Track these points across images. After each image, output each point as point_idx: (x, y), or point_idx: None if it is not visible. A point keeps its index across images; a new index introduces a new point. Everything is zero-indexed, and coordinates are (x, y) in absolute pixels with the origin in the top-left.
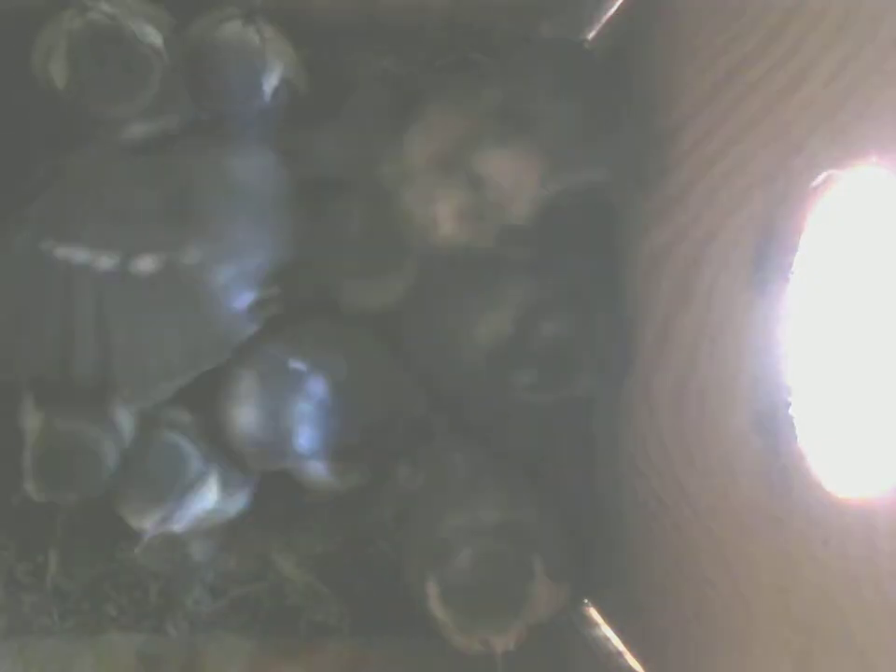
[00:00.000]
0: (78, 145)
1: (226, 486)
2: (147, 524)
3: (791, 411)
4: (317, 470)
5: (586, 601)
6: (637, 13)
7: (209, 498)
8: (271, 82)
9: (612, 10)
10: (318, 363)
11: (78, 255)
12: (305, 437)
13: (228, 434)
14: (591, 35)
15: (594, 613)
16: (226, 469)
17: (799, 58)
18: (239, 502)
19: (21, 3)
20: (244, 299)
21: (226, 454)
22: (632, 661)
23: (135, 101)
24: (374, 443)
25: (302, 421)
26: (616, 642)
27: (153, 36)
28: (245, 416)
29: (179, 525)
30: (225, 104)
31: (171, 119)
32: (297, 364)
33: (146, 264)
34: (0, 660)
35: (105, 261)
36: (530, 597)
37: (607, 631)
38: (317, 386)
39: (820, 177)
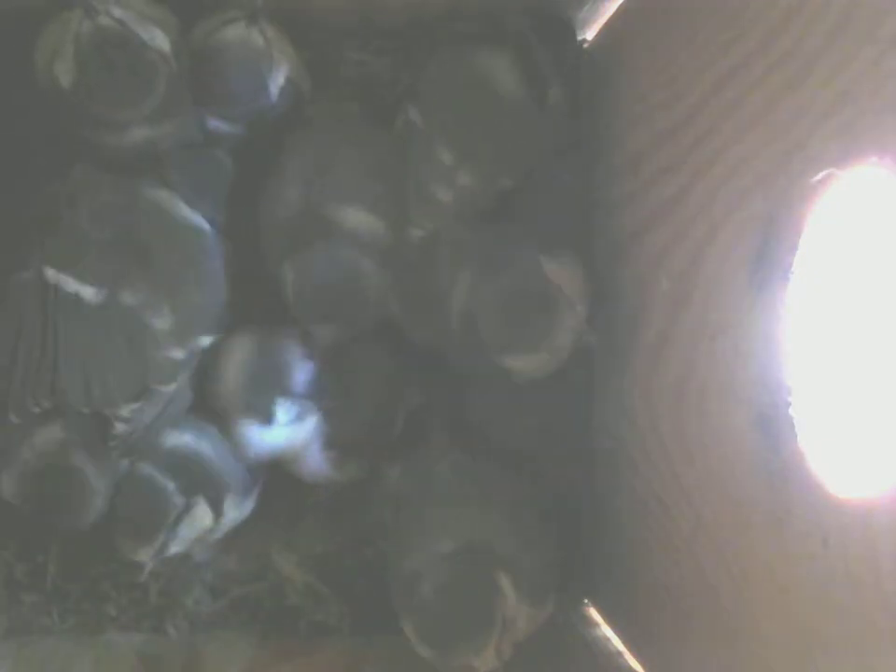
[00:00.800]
0: (78, 146)
1: (218, 506)
2: (143, 556)
3: (791, 411)
4: (315, 461)
5: (586, 601)
6: (637, 13)
7: (203, 522)
8: (277, 83)
9: (612, 11)
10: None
11: (58, 278)
12: (296, 401)
13: (218, 394)
14: (591, 36)
15: (594, 613)
16: (217, 490)
17: (799, 58)
18: (245, 508)
19: (21, 3)
20: (182, 345)
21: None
22: (632, 661)
23: (141, 106)
24: (372, 433)
25: (293, 385)
26: (616, 642)
27: (161, 41)
28: (236, 374)
29: (178, 549)
30: (231, 106)
31: (174, 124)
32: (292, 332)
33: (91, 294)
34: (0, 660)
35: (68, 285)
36: (499, 614)
37: (607, 631)
38: (312, 358)
39: (820, 177)
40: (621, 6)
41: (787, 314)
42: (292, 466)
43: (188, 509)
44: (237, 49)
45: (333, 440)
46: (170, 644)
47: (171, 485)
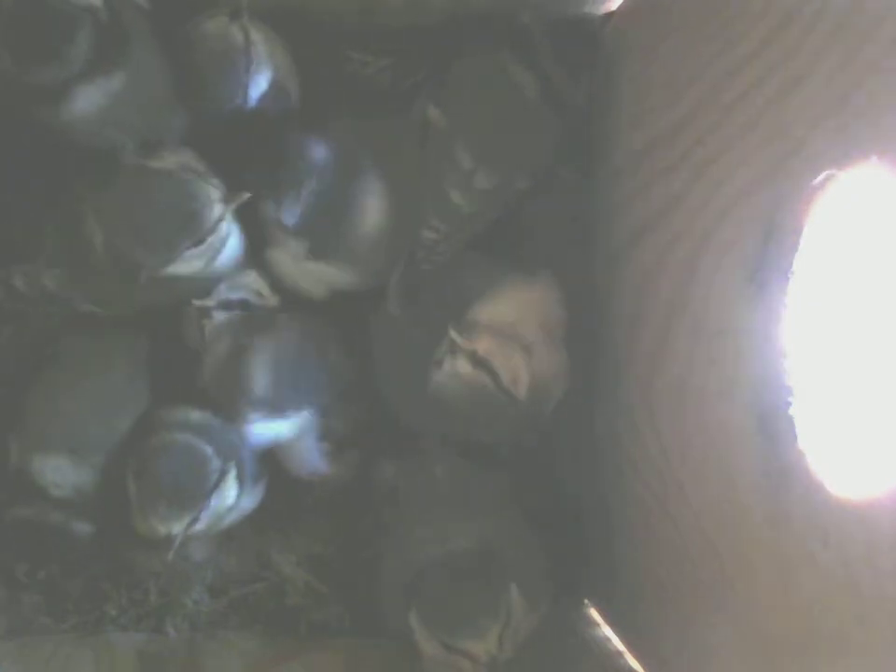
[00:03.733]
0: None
1: (243, 482)
2: (177, 527)
3: (791, 411)
4: (311, 454)
5: (586, 601)
6: (637, 14)
7: (230, 495)
8: (258, 84)
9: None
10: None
11: None
12: (274, 387)
13: (202, 380)
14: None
15: (594, 613)
16: (241, 463)
17: (799, 58)
18: (255, 497)
19: None
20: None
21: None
22: (632, 661)
23: (66, 59)
24: (365, 430)
25: (272, 372)
26: (616, 642)
27: None
28: (216, 361)
29: (204, 524)
30: (205, 99)
31: (117, 79)
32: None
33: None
34: (0, 660)
35: None
36: (504, 605)
37: (607, 631)
38: (294, 338)
39: (820, 177)
40: (621, 6)
41: (787, 314)
42: (289, 461)
43: (223, 474)
44: (214, 43)
45: (328, 431)
46: (170, 644)
47: (209, 449)
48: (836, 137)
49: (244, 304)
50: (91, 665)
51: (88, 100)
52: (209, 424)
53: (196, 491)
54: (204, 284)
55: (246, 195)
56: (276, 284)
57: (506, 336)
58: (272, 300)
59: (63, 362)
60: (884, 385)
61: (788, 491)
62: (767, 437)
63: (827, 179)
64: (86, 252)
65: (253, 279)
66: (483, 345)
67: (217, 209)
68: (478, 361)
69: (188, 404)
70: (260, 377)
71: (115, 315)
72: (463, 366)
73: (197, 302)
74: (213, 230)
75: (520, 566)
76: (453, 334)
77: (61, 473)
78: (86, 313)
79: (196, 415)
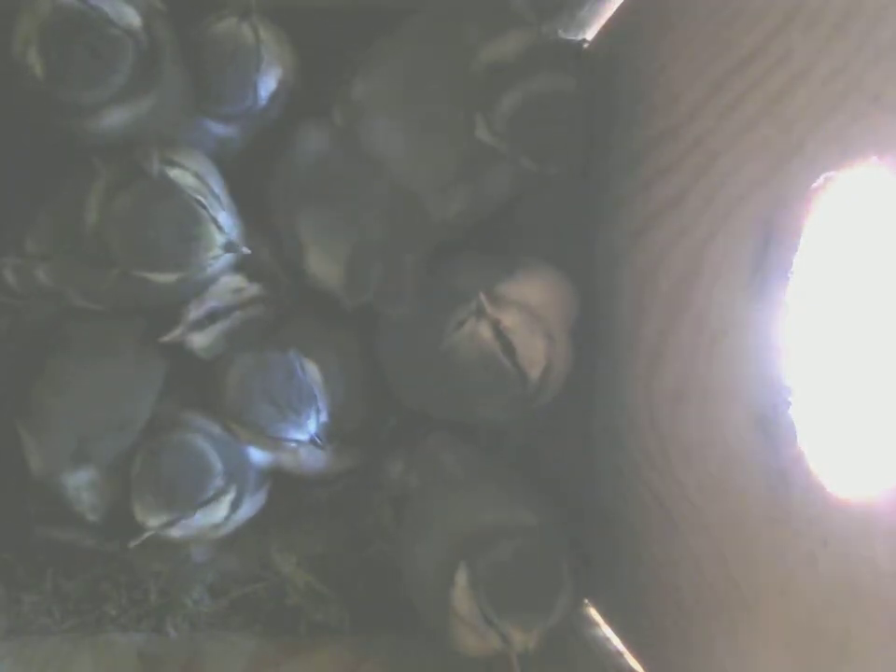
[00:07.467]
0: (59, 136)
1: (237, 506)
2: (153, 522)
3: (790, 411)
4: (313, 454)
5: (586, 601)
6: (637, 14)
7: (218, 515)
8: (267, 83)
9: (612, 11)
10: (311, 352)
11: None
12: (296, 417)
13: (225, 411)
14: (591, 36)
15: (594, 613)
16: (242, 486)
17: (799, 58)
18: (255, 505)
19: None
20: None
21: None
22: (632, 661)
23: (105, 86)
24: (367, 426)
25: (293, 401)
26: (616, 642)
27: (130, 17)
28: (239, 394)
29: (181, 532)
30: (218, 101)
31: (148, 101)
32: (291, 353)
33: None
34: (0, 660)
35: None
36: (559, 603)
37: (607, 631)
38: (309, 370)
39: (820, 178)
40: (621, 6)
41: (787, 314)
42: (291, 461)
43: (217, 496)
44: (225, 44)
45: (332, 434)
46: (170, 644)
47: (219, 466)
48: (836, 137)
49: (227, 313)
50: (91, 665)
51: (115, 119)
52: (226, 440)
53: (188, 497)
54: (188, 287)
55: (247, 251)
56: (258, 273)
57: (534, 317)
58: (252, 289)
59: (68, 352)
60: (884, 386)
61: (788, 491)
62: (767, 437)
63: (826, 180)
64: (77, 232)
65: (227, 280)
66: (509, 319)
67: (216, 250)
68: (499, 332)
69: (212, 414)
70: (268, 405)
71: (109, 312)
72: (484, 332)
73: (171, 335)
74: (204, 268)
75: (567, 545)
76: (482, 298)
77: (94, 491)
78: (80, 308)
79: (217, 429)
